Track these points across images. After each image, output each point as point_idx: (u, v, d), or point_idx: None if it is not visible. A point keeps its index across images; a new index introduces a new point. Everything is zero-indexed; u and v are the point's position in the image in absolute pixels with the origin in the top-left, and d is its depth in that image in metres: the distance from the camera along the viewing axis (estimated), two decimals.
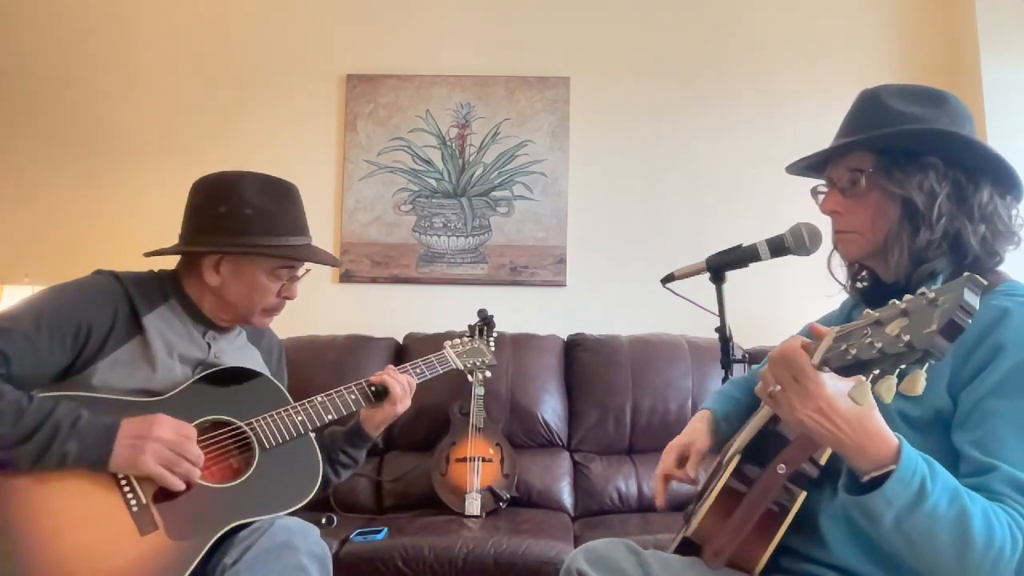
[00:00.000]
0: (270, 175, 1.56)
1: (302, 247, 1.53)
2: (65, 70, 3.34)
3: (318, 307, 3.07)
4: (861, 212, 1.14)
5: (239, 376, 1.51)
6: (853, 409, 0.87)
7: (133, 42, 3.35)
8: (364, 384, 1.61)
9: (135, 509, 1.30)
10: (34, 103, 3.34)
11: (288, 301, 1.57)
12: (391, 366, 1.69)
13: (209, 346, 1.52)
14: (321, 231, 3.12)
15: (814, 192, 1.24)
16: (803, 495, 1.07)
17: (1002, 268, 1.11)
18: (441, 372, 1.75)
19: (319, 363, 2.67)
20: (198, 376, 1.46)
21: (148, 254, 1.55)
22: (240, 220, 1.47)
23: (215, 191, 1.52)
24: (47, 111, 3.33)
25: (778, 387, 0.92)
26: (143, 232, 3.11)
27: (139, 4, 3.37)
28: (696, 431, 1.36)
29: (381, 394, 1.61)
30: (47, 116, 3.33)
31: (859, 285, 1.24)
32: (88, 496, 1.29)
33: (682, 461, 1.33)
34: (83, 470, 1.28)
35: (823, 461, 1.07)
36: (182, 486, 1.33)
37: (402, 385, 1.62)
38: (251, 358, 1.62)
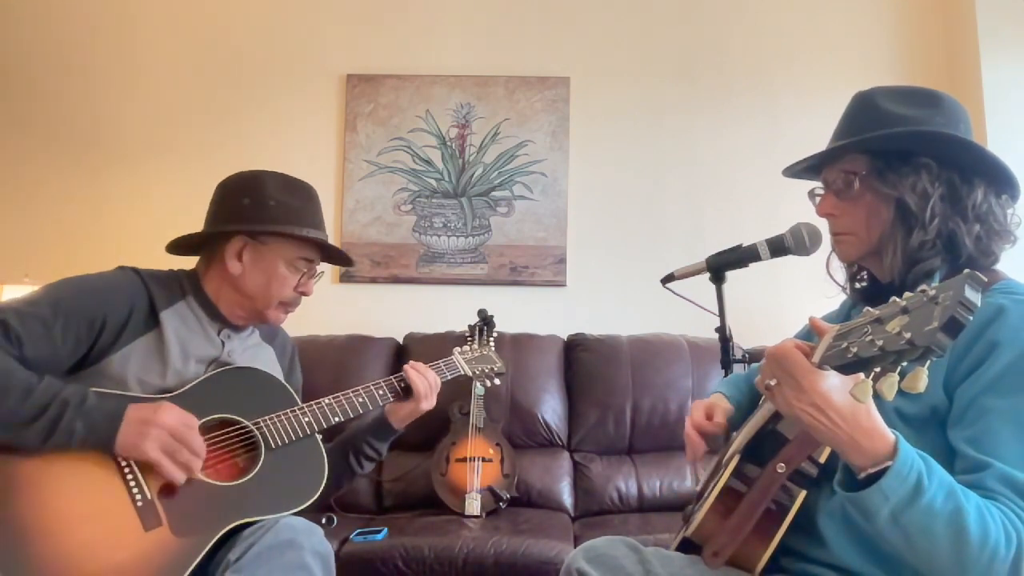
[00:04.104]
0: (291, 175, 1.61)
1: (323, 240, 1.58)
2: (65, 70, 3.34)
3: (318, 307, 3.05)
4: (855, 214, 1.15)
5: (249, 376, 1.52)
6: (849, 405, 0.88)
7: (133, 42, 3.35)
8: (382, 384, 1.62)
9: (140, 504, 1.31)
10: (34, 103, 3.34)
11: (302, 299, 1.60)
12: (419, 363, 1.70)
13: (223, 344, 1.54)
14: None
15: (811, 195, 1.25)
16: (803, 494, 1.07)
17: (999, 267, 1.11)
18: (450, 377, 1.77)
19: (319, 363, 2.66)
20: (208, 374, 1.47)
21: (171, 245, 1.57)
22: (264, 210, 1.52)
23: (238, 186, 1.57)
24: (47, 111, 3.33)
25: (774, 381, 0.94)
26: (143, 231, 3.12)
27: (139, 4, 3.38)
28: (717, 397, 1.40)
29: (408, 390, 1.63)
30: (47, 116, 3.33)
31: (857, 286, 1.25)
32: (93, 491, 1.29)
33: (707, 417, 1.35)
34: (90, 453, 1.29)
35: (823, 460, 1.07)
36: (182, 477, 1.33)
37: (427, 383, 1.64)
38: (265, 356, 1.64)
